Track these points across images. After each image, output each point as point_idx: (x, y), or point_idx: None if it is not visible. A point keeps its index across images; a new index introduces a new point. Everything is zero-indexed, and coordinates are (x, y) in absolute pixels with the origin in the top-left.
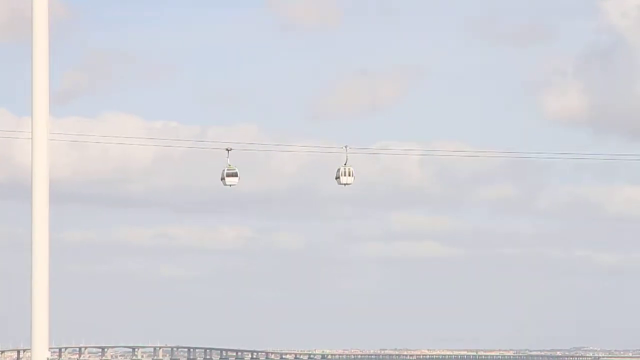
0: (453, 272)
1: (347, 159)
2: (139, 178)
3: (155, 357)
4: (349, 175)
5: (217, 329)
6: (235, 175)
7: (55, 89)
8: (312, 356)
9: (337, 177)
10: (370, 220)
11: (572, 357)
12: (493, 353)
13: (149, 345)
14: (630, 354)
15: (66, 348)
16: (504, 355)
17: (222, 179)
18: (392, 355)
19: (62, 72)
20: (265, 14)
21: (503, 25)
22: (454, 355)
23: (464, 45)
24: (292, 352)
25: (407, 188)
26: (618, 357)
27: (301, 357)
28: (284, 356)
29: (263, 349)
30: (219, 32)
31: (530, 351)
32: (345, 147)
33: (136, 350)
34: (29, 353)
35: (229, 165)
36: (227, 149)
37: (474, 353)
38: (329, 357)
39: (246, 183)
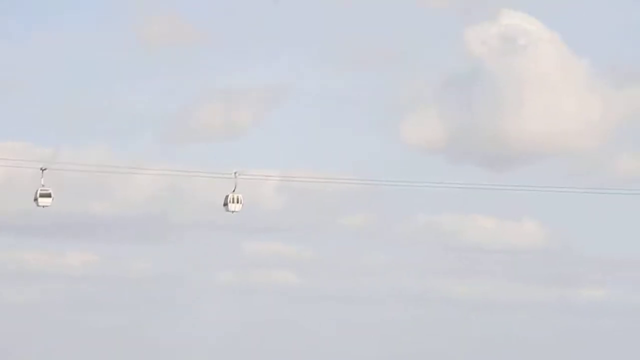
0: (307, 302)
1: (235, 186)
2: None
3: None
4: (238, 202)
5: (59, 357)
6: (49, 195)
7: None
8: None
9: (225, 204)
10: (223, 247)
11: None
12: None
13: None
14: None
15: None
16: None
17: (35, 199)
18: None
19: None
20: (120, 32)
21: (363, 51)
22: None
23: (323, 69)
24: None
25: (262, 215)
26: None
27: None
28: None
29: None
30: (70, 50)
31: None
32: (235, 173)
33: None
34: None
35: (42, 186)
36: (42, 169)
37: None
38: None
39: (96, 207)
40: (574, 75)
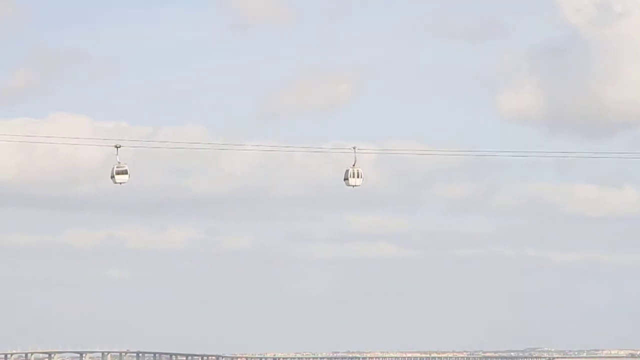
0: (407, 274)
1: (355, 160)
2: (87, 179)
3: None
4: (358, 176)
5: (166, 332)
6: (125, 172)
7: (5, 85)
8: (263, 359)
9: (346, 179)
10: (323, 221)
11: (526, 357)
12: (446, 354)
13: (97, 350)
14: (585, 354)
15: (12, 354)
16: (457, 357)
17: (112, 176)
18: (345, 357)
19: (11, 69)
20: (215, 12)
21: (457, 23)
22: (407, 357)
23: (418, 43)
24: (244, 355)
25: (361, 188)
26: (572, 357)
27: None
28: None
29: (214, 353)
30: (167, 30)
31: (484, 352)
32: (354, 148)
33: (84, 355)
34: None
35: (118, 163)
36: (116, 146)
37: (427, 355)
38: (281, 359)
39: (196, 183)
40: None
